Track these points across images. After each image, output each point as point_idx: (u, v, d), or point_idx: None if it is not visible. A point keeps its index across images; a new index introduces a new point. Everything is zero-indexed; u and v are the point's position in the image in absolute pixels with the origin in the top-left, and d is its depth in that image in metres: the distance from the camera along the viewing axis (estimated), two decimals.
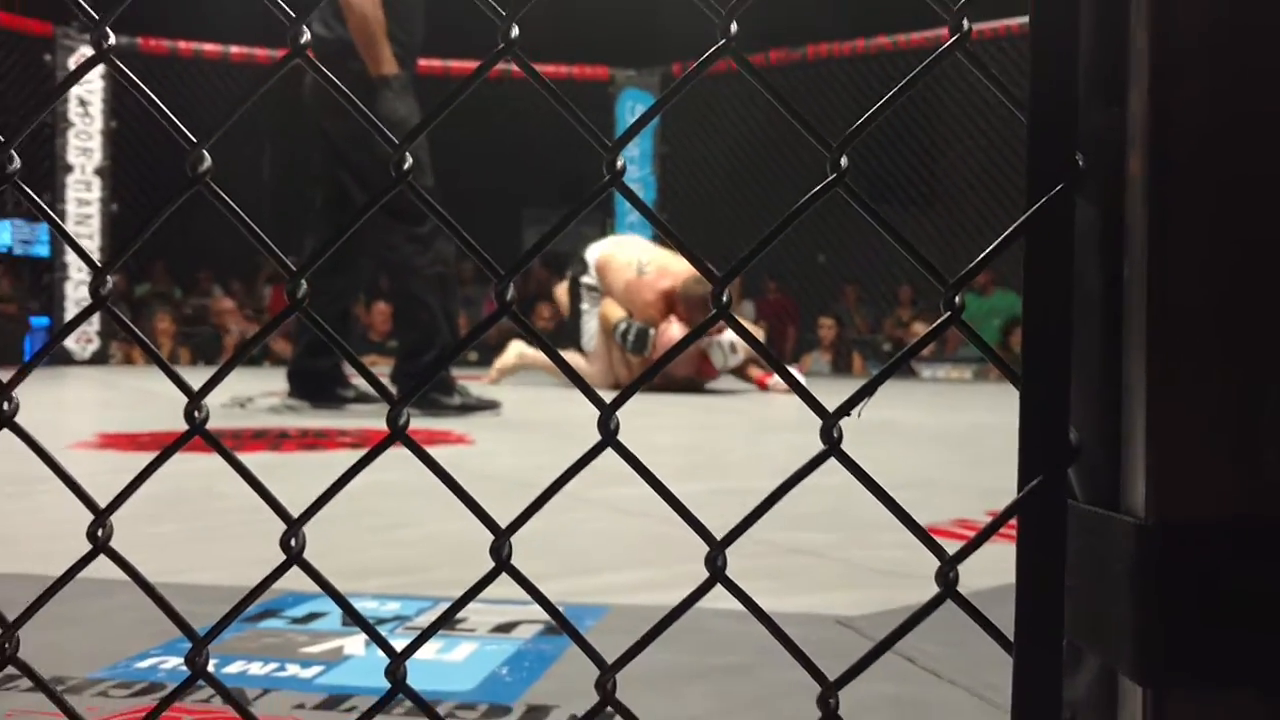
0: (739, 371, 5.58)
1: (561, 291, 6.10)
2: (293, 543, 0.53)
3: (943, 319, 0.50)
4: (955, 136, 8.16)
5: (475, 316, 9.75)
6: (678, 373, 5.40)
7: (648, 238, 6.73)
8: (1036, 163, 0.50)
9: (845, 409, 0.51)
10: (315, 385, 3.87)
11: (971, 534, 1.58)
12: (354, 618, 0.53)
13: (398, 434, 0.53)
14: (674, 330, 5.32)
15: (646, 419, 3.77)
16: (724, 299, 0.52)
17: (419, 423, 3.36)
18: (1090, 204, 0.50)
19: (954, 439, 3.37)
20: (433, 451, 2.74)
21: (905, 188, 8.41)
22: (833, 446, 0.51)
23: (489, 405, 3.79)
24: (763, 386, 5.62)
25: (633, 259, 5.61)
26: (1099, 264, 0.48)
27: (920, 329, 8.15)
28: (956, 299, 0.50)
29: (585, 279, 5.81)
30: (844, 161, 0.51)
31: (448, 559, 1.46)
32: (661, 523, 1.73)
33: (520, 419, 3.75)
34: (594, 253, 5.83)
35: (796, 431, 3.51)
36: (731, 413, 4.42)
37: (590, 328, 5.74)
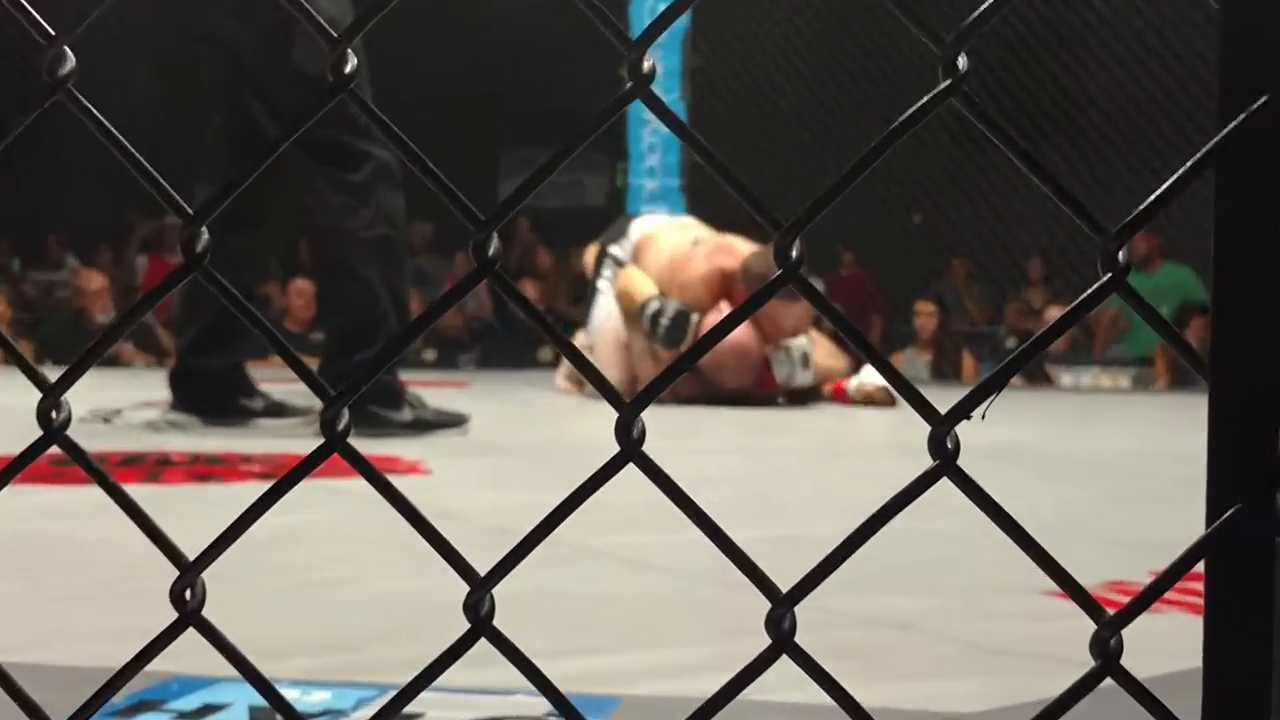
0: (807, 394, 5.55)
1: (590, 258, 6.18)
2: (188, 595, 0.54)
3: (1101, 282, 0.50)
4: (1105, 46, 8.17)
5: (433, 298, 9.77)
6: (728, 382, 5.36)
7: (680, 210, 6.80)
8: (1231, 68, 0.51)
9: (963, 410, 0.51)
10: (208, 393, 3.89)
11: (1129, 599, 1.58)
12: (277, 706, 0.53)
13: (335, 443, 0.53)
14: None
15: (679, 440, 3.78)
16: (793, 256, 0.52)
17: (356, 445, 3.38)
18: None
19: (1104, 469, 3.37)
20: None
21: (1037, 116, 8.42)
22: (946, 462, 0.51)
23: (452, 421, 3.80)
24: (839, 395, 5.58)
25: (686, 239, 5.70)
26: None
27: (1058, 316, 8.15)
28: (1120, 254, 0.50)
29: (614, 248, 5.88)
30: (962, 62, 0.51)
31: (397, 630, 1.47)
32: (692, 581, 1.74)
33: (494, 441, 3.76)
34: (640, 226, 6.00)
35: (882, 458, 3.51)
36: (792, 432, 4.42)
37: (602, 309, 5.76)
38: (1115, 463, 3.57)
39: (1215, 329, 0.49)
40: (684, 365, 0.55)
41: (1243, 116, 0.49)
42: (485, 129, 10.84)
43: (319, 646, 1.39)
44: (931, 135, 8.83)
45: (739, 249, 5.46)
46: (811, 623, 1.33)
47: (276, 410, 3.91)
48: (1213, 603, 0.51)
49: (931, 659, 1.38)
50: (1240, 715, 0.51)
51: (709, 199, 5.78)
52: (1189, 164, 0.51)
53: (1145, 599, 0.51)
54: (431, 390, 4.93)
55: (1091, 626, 0.52)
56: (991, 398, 0.54)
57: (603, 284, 5.86)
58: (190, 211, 0.54)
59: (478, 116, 10.51)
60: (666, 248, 5.63)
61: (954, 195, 8.91)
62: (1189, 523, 0.49)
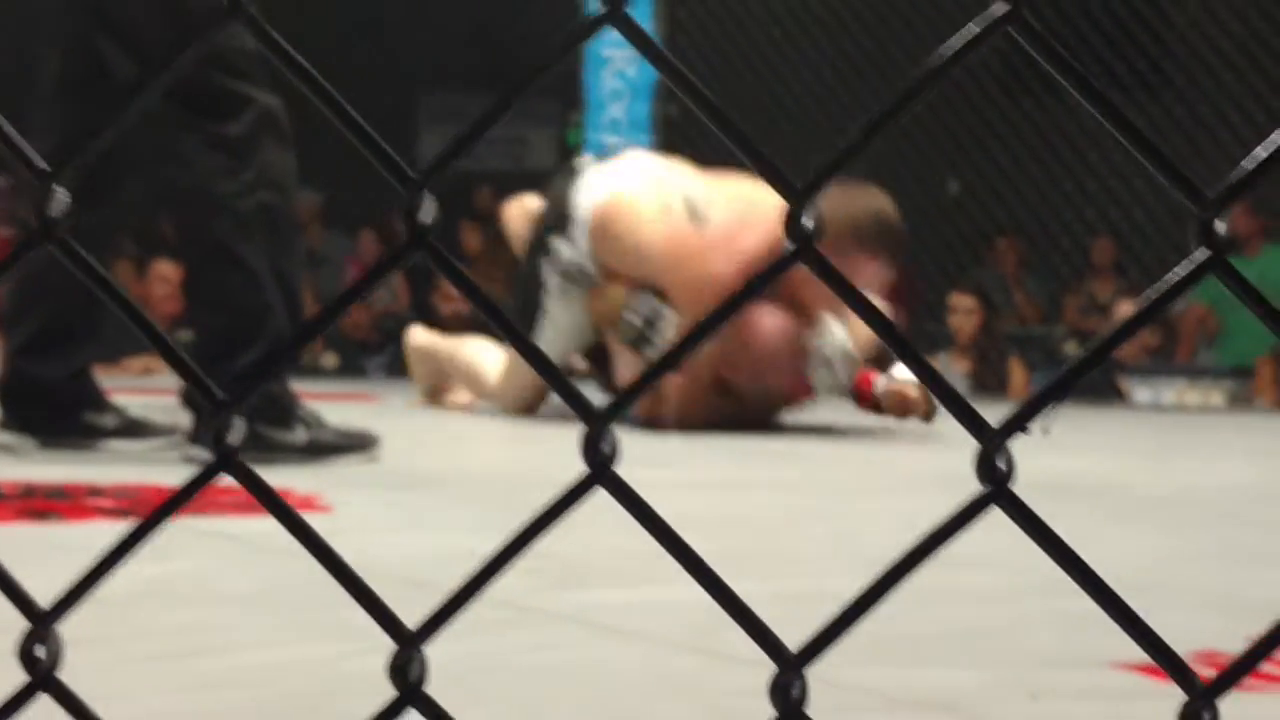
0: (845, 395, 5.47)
1: (517, 215, 5.98)
2: (39, 653, 0.54)
3: (1197, 260, 0.51)
4: None
5: (330, 287, 9.78)
6: (774, 382, 5.26)
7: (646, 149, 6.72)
8: None
9: (1018, 423, 0.52)
10: (45, 408, 3.88)
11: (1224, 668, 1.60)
12: None
13: (222, 461, 0.54)
14: (766, 323, 5.12)
15: (660, 471, 3.79)
16: (808, 227, 0.53)
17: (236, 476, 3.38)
18: None
19: (1193, 510, 3.40)
20: (263, 525, 2.75)
21: (1117, 64, 8.47)
22: (998, 486, 0.52)
23: (357, 444, 3.81)
24: (864, 395, 5.47)
25: (669, 200, 5.30)
26: None
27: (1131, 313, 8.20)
28: (1218, 225, 0.51)
29: (559, 242, 5.49)
30: None
31: (286, 709, 1.48)
32: (669, 649, 1.75)
33: (410, 470, 3.77)
34: (592, 195, 5.51)
35: (919, 494, 3.52)
36: (801, 461, 4.44)
37: (558, 322, 5.58)
38: (1207, 501, 3.59)
39: None
40: (667, 365, 0.56)
41: None
42: (401, 70, 10.86)
43: None
44: (974, 83, 8.88)
45: (760, 206, 4.97)
46: (827, 704, 1.34)
47: (133, 429, 3.91)
48: None
49: None
50: None
51: (688, 161, 5.70)
52: None
53: (1244, 664, 0.53)
54: (332, 405, 4.94)
55: (1175, 704, 0.53)
56: (1052, 408, 0.55)
57: (552, 292, 5.54)
58: (45, 166, 0.54)
59: (391, 54, 10.52)
60: (647, 224, 5.29)
61: (1002, 159, 8.96)
62: None
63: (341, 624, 1.86)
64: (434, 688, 0.60)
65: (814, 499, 3.56)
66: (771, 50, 9.08)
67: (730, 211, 5.14)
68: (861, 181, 5.23)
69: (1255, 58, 7.95)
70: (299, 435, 3.73)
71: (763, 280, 0.53)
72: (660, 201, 5.33)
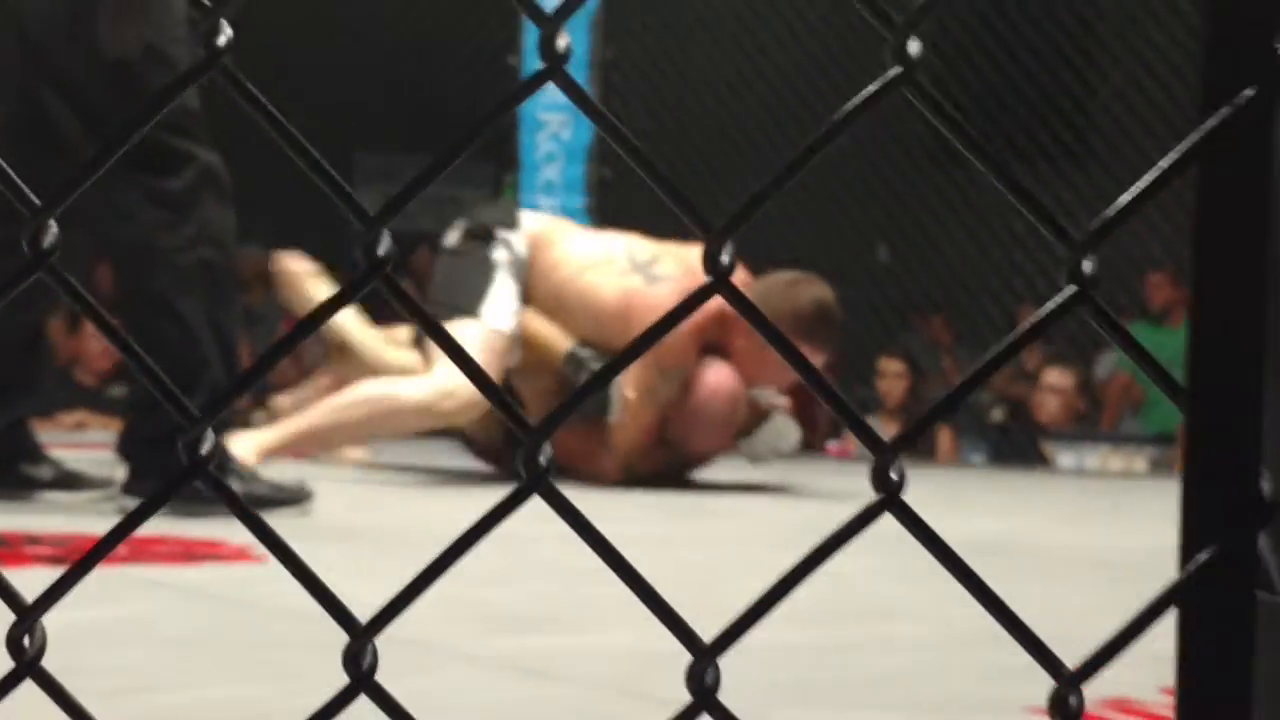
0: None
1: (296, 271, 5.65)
2: (26, 642, 0.59)
3: (1062, 296, 0.58)
4: (1118, 59, 8.37)
5: (265, 344, 9.75)
6: (703, 445, 5.31)
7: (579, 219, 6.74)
8: (1215, 55, 0.58)
9: (909, 438, 0.59)
10: None
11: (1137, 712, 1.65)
12: None
13: (193, 470, 0.59)
14: (716, 378, 5.15)
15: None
16: (725, 261, 0.59)
17: (168, 526, 3.40)
18: None
19: (1114, 569, 3.45)
20: (200, 574, 2.78)
21: (1039, 134, 8.58)
22: (890, 495, 0.58)
23: (291, 497, 3.82)
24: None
25: (614, 253, 5.31)
26: None
27: (1058, 381, 8.29)
28: (1086, 265, 0.57)
29: (506, 233, 5.36)
30: (914, 48, 0.59)
31: None
32: (595, 691, 1.79)
33: (345, 523, 3.78)
34: (530, 221, 5.51)
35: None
36: (729, 516, 4.47)
37: (506, 292, 5.35)
38: (1127, 562, 3.65)
39: (1192, 344, 0.56)
40: (594, 386, 0.62)
41: (1224, 112, 0.57)
42: (336, 127, 10.89)
43: None
44: (904, 153, 8.98)
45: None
46: None
47: (69, 482, 3.91)
48: (1185, 658, 0.58)
49: None
50: None
51: (622, 223, 5.75)
52: (1167, 160, 0.58)
53: (1109, 650, 0.59)
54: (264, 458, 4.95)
55: None
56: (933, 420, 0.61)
57: (500, 262, 5.34)
58: (36, 201, 0.60)
59: (327, 111, 10.55)
60: (589, 263, 5.28)
61: (931, 227, 9.05)
62: None
63: (277, 666, 1.90)
64: None
65: (743, 550, 3.59)
66: (705, 114, 9.17)
67: (675, 268, 5.22)
68: (799, 269, 5.39)
69: (1176, 126, 8.07)
70: (235, 484, 3.75)
71: (684, 310, 0.59)
72: (597, 248, 5.38)
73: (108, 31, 3.57)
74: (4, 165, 0.61)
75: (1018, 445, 8.30)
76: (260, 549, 2.83)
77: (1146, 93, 8.42)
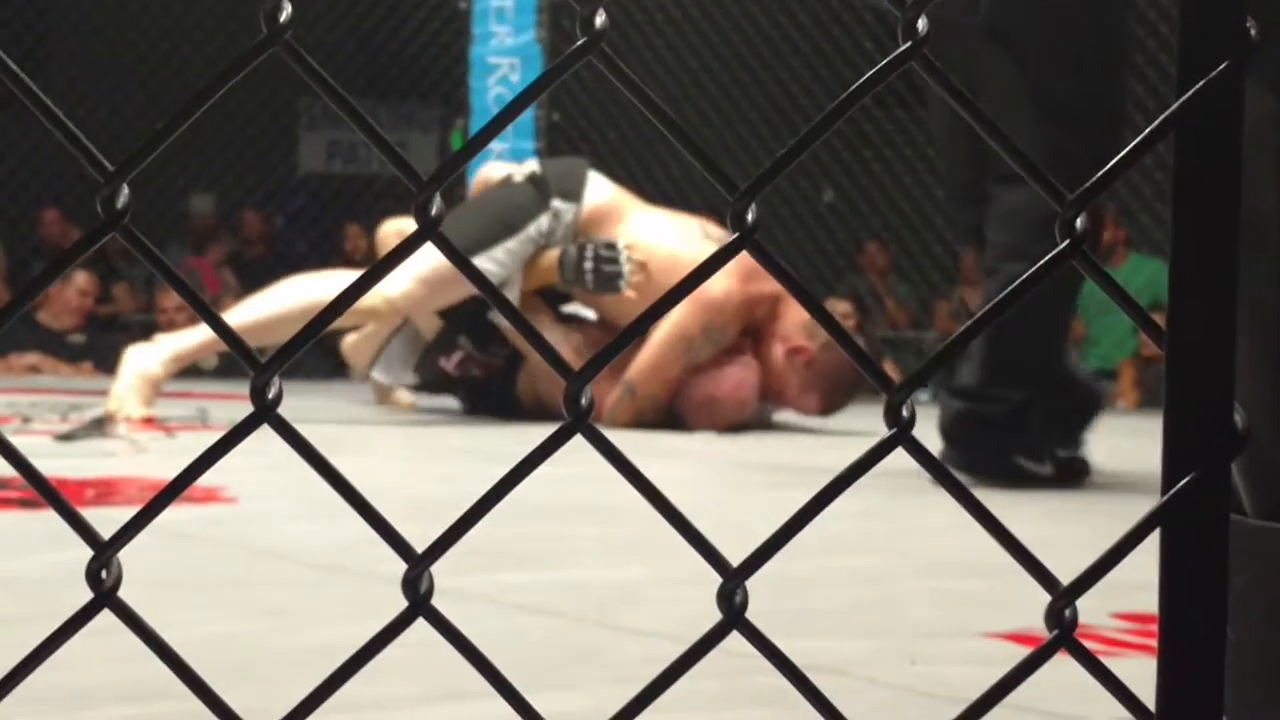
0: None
1: (394, 240, 5.67)
2: (103, 575, 0.64)
3: (1058, 249, 0.64)
4: None
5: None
6: (717, 425, 5.45)
7: (528, 155, 6.76)
8: (1191, 33, 0.64)
9: (919, 379, 0.64)
10: None
11: (1095, 645, 1.72)
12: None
13: (262, 413, 0.64)
14: (739, 378, 5.41)
15: (554, 466, 3.86)
16: (749, 220, 0.64)
17: (134, 467, 3.42)
18: (1269, 91, 0.63)
19: (1061, 501, 3.52)
20: (175, 515, 2.80)
21: None
22: (902, 430, 0.64)
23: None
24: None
25: (687, 224, 5.60)
26: (1278, 173, 0.61)
27: None
28: (1078, 222, 0.63)
29: (560, 203, 5.45)
30: (922, 24, 0.64)
31: (226, 676, 1.55)
32: (572, 623, 1.84)
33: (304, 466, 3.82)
34: (595, 192, 5.58)
35: (791, 485, 3.63)
36: (689, 458, 4.52)
37: (516, 253, 5.38)
38: (1074, 494, 3.72)
39: (1172, 294, 0.62)
40: (641, 326, 0.67)
41: (1199, 85, 0.63)
42: (281, 75, 10.86)
43: (136, 694, 1.44)
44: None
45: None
46: (733, 668, 1.45)
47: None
48: (1166, 578, 0.64)
49: (867, 706, 1.49)
50: (1194, 693, 0.65)
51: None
52: (1147, 130, 0.64)
53: (1099, 569, 0.65)
54: (216, 402, 4.98)
55: (1043, 669, 0.66)
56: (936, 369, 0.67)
57: (529, 234, 5.40)
58: (110, 166, 0.65)
59: (273, 60, 10.52)
60: (663, 239, 5.45)
61: (876, 167, 9.11)
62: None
63: (262, 603, 1.94)
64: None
65: (709, 487, 3.64)
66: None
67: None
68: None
69: (1160, 94, 8.13)
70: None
71: (715, 263, 0.65)
72: (665, 226, 5.55)
73: None
74: (82, 137, 0.66)
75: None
76: (230, 490, 2.86)
77: (1134, 68, 8.47)
